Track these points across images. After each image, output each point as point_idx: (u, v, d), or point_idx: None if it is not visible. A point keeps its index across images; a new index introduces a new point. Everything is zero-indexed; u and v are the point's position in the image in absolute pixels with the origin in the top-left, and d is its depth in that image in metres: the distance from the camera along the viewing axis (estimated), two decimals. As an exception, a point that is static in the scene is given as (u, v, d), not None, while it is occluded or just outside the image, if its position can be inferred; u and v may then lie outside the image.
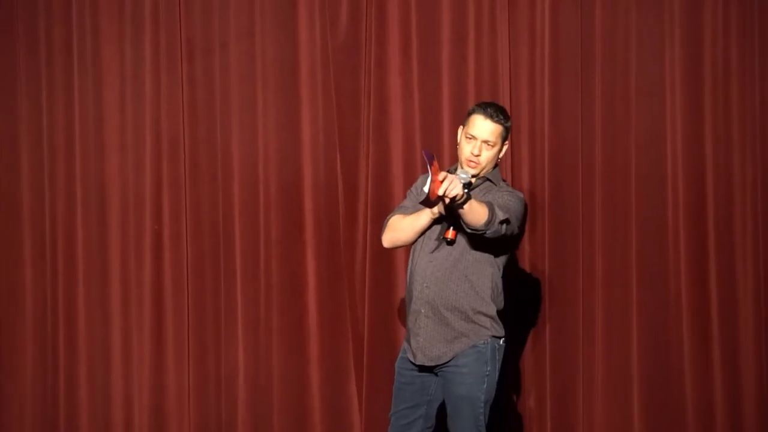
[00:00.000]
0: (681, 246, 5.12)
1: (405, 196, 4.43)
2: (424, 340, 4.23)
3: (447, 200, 3.96)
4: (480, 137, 4.22)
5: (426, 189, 3.93)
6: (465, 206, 3.99)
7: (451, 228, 4.15)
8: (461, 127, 4.31)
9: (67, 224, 5.39)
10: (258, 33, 5.32)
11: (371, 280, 5.23)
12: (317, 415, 5.29)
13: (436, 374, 4.26)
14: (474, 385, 4.18)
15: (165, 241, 5.36)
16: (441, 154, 5.19)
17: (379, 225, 5.11)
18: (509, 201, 4.21)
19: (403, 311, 5.12)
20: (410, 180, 5.13)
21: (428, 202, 3.99)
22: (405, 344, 4.32)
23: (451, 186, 3.91)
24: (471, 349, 4.20)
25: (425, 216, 4.20)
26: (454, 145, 5.13)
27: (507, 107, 5.12)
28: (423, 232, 4.26)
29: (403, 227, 4.27)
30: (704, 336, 5.11)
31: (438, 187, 3.92)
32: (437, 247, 4.23)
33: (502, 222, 4.07)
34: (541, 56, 5.19)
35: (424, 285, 4.22)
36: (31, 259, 5.41)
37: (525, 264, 5.18)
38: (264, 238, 5.31)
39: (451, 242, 4.18)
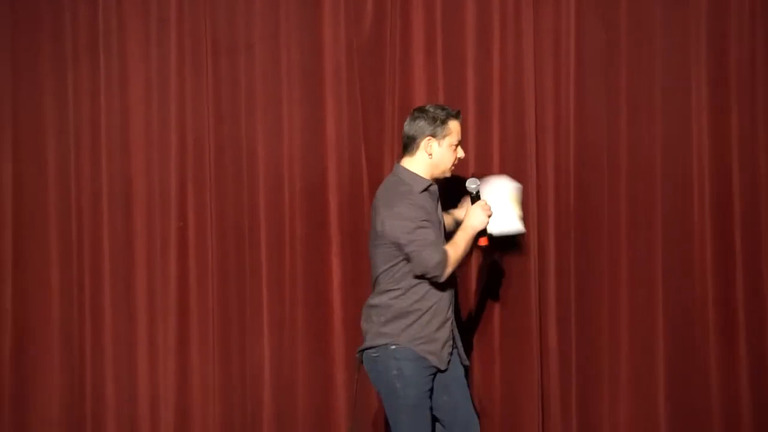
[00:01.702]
0: (707, 245, 5.10)
1: (420, 227, 4.41)
2: (458, 343, 4.60)
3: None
4: (460, 140, 4.55)
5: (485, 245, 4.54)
6: None
7: (485, 236, 4.52)
8: (431, 138, 4.47)
9: (93, 223, 5.41)
10: (283, 33, 5.33)
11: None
12: (341, 413, 5.29)
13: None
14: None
15: (190, 240, 5.37)
16: (465, 152, 5.16)
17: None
18: None
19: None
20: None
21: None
22: (431, 356, 4.47)
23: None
24: None
25: (471, 238, 4.50)
26: (480, 144, 5.19)
27: (532, 106, 5.18)
28: None
29: (460, 257, 4.49)
30: (730, 335, 5.09)
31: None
32: None
33: None
34: (566, 55, 5.18)
35: (453, 294, 4.55)
36: (58, 257, 5.44)
37: (550, 264, 5.17)
38: (289, 237, 5.32)
39: (486, 249, 4.61)
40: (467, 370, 4.75)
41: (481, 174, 5.03)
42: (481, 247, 4.47)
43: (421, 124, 4.49)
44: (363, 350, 4.53)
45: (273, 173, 5.34)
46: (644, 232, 5.14)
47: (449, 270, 4.42)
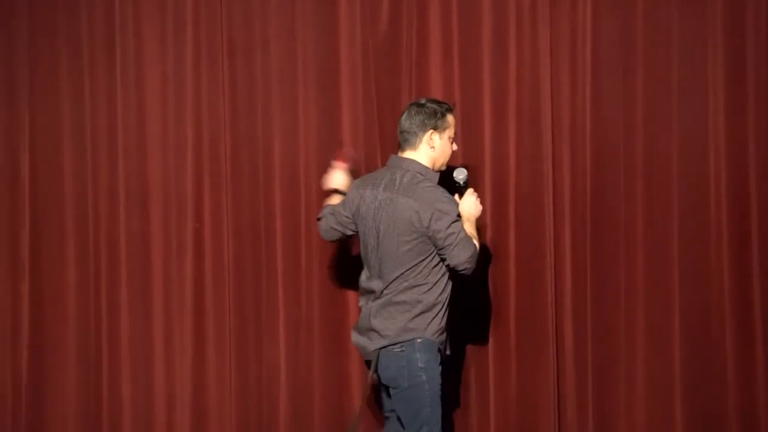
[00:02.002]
0: (724, 246, 5.09)
1: (455, 221, 4.53)
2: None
3: None
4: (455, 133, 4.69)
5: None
6: None
7: None
8: (432, 131, 4.58)
9: (110, 223, 5.42)
10: (299, 32, 5.33)
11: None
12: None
13: None
14: None
15: (206, 240, 5.38)
16: (482, 153, 5.19)
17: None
18: None
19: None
20: (450, 177, 5.13)
21: None
22: (441, 345, 4.59)
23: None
24: None
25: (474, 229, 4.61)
26: (496, 144, 5.18)
27: (548, 106, 5.17)
28: None
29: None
30: (747, 337, 5.07)
31: None
32: None
33: None
34: (583, 54, 5.16)
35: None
36: (74, 258, 5.46)
37: (566, 264, 5.16)
38: (305, 237, 5.32)
39: None
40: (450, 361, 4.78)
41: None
42: None
43: (422, 118, 4.58)
44: (383, 347, 4.55)
45: (289, 172, 5.34)
46: (661, 233, 5.13)
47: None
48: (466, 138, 5.20)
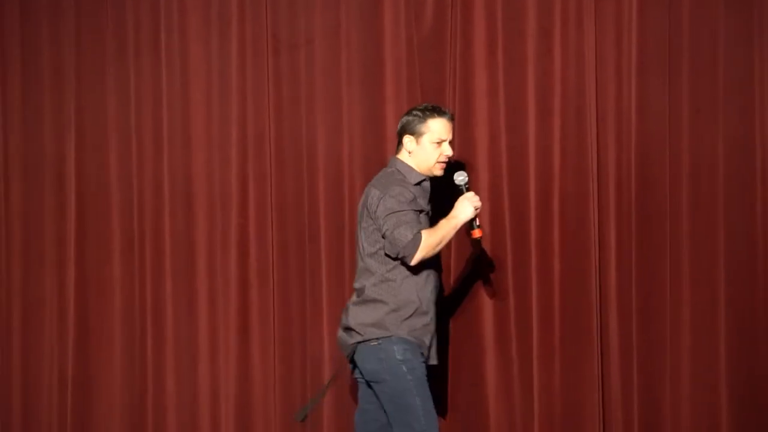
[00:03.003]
0: (770, 243, 5.07)
1: (402, 210, 4.53)
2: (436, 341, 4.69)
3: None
4: (448, 138, 4.64)
5: (478, 236, 4.63)
6: None
7: (477, 228, 4.62)
8: (410, 135, 4.63)
9: (155, 219, 5.46)
10: (343, 28, 5.34)
11: (453, 271, 5.22)
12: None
13: None
14: None
15: (251, 236, 5.40)
16: (526, 147, 5.18)
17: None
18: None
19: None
20: (494, 176, 5.14)
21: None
22: (420, 348, 4.57)
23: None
24: None
25: (455, 228, 4.58)
26: (540, 139, 5.17)
27: (593, 102, 5.14)
28: None
29: (438, 243, 4.54)
30: (793, 334, 5.06)
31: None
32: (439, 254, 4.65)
33: None
34: (628, 51, 5.15)
35: (440, 289, 4.72)
36: (120, 253, 5.49)
37: (611, 260, 5.14)
38: (348, 233, 5.31)
39: (479, 241, 4.72)
40: (435, 370, 4.74)
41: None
42: (473, 240, 4.60)
43: (404, 121, 4.67)
44: (360, 342, 4.60)
45: (333, 170, 5.35)
46: (706, 229, 5.10)
47: (420, 254, 4.48)
48: (509, 133, 5.20)
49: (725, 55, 5.10)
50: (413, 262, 4.51)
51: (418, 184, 4.63)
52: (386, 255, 4.54)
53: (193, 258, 5.43)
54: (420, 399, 4.50)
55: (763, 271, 5.07)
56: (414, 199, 4.56)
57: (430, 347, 4.62)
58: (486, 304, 5.19)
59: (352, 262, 5.31)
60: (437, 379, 4.83)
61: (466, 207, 4.57)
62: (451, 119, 4.67)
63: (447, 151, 4.64)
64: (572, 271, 5.15)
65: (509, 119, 5.21)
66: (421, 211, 4.59)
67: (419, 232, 4.48)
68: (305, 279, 5.37)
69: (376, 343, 4.53)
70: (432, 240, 4.50)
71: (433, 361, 4.65)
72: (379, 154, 5.30)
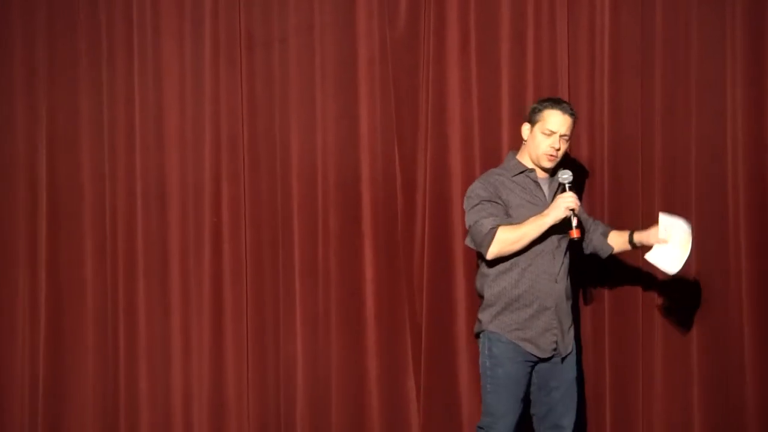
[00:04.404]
0: (741, 242, 5.11)
1: (477, 199, 4.54)
2: (560, 332, 4.59)
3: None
4: (559, 131, 4.56)
5: (575, 237, 4.51)
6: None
7: (575, 228, 4.49)
8: (527, 124, 4.58)
9: (127, 219, 5.41)
10: (317, 27, 5.33)
11: (429, 273, 5.23)
12: (375, 408, 5.30)
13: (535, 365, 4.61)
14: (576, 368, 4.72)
15: (224, 235, 5.37)
16: (500, 149, 5.19)
17: (437, 219, 5.22)
18: None
19: (462, 305, 5.21)
20: (469, 175, 5.14)
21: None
22: (521, 342, 4.55)
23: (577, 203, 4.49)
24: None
25: (545, 225, 4.49)
26: (514, 140, 5.17)
27: (566, 103, 5.17)
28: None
29: (519, 238, 4.50)
30: (765, 334, 5.09)
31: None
32: (558, 246, 4.59)
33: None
34: (601, 51, 5.18)
35: (555, 281, 4.57)
36: (92, 253, 5.43)
37: (583, 260, 5.16)
38: (322, 232, 5.32)
39: (579, 241, 4.62)
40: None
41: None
42: (572, 239, 4.54)
43: (527, 111, 4.66)
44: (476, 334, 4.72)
45: (306, 168, 5.34)
46: (678, 229, 5.15)
47: (497, 247, 4.49)
48: (483, 134, 5.22)
49: (697, 56, 5.14)
50: (490, 257, 4.52)
51: (519, 174, 4.61)
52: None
53: (165, 258, 5.40)
54: (492, 396, 4.56)
55: (734, 269, 5.12)
56: (494, 187, 4.55)
57: (541, 339, 4.56)
58: (459, 303, 5.21)
59: (325, 261, 5.32)
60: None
61: (558, 206, 4.48)
62: (571, 115, 4.57)
63: (555, 143, 4.55)
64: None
65: (483, 119, 5.22)
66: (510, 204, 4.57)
67: (495, 228, 4.48)
68: (279, 278, 5.36)
69: (480, 338, 4.64)
70: (510, 235, 4.49)
71: (543, 354, 4.58)
72: (353, 151, 5.31)
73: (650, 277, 5.13)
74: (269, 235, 5.37)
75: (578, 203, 4.50)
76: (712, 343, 5.13)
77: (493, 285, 4.58)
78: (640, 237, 4.72)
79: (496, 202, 4.53)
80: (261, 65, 5.36)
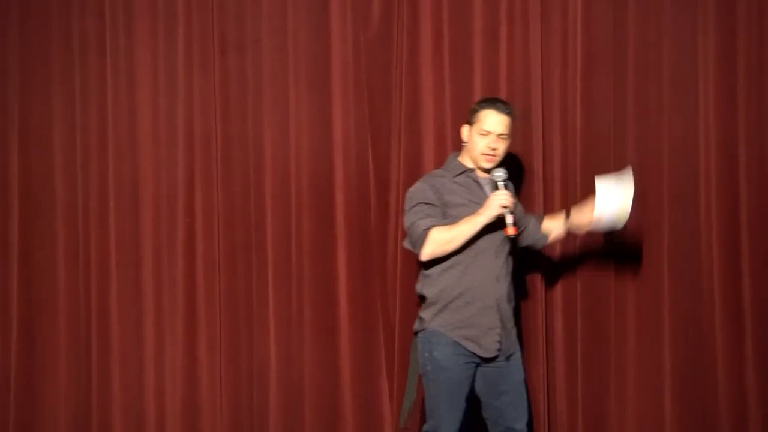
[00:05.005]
0: (714, 242, 5.06)
1: (414, 201, 4.55)
2: (502, 331, 4.56)
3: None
4: (495, 131, 4.54)
5: (510, 234, 4.47)
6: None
7: (510, 226, 4.47)
8: (466, 125, 4.60)
9: (100, 220, 5.44)
10: (290, 28, 5.34)
11: (402, 274, 5.21)
12: (348, 408, 5.30)
13: (479, 366, 4.56)
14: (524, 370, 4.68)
15: (197, 237, 5.39)
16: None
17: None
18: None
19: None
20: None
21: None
22: (464, 340, 4.51)
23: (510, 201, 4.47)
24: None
25: (479, 224, 4.47)
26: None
27: (539, 101, 5.15)
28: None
29: (452, 238, 4.48)
30: (737, 334, 5.04)
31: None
32: (501, 245, 4.57)
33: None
34: (574, 50, 5.15)
35: (495, 279, 4.55)
36: (65, 254, 5.47)
37: (556, 257, 5.15)
38: (296, 233, 5.33)
39: (515, 238, 4.59)
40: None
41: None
42: (512, 237, 4.53)
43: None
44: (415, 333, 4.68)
45: (280, 170, 5.35)
46: (651, 227, 5.10)
47: (430, 248, 4.48)
48: (456, 133, 5.17)
49: (669, 54, 5.10)
50: (424, 258, 4.52)
51: (460, 174, 4.59)
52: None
53: (138, 258, 5.42)
54: (434, 399, 4.54)
55: (706, 270, 5.07)
56: (435, 189, 4.54)
57: (483, 338, 4.53)
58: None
59: (299, 262, 5.32)
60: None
61: (491, 204, 4.47)
62: (507, 114, 4.55)
63: (491, 143, 4.54)
64: (518, 271, 5.14)
65: (456, 119, 5.19)
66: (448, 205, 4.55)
67: (429, 228, 4.47)
68: (252, 279, 5.36)
69: (419, 337, 4.61)
70: (444, 235, 4.48)
71: (486, 354, 4.54)
72: (326, 152, 5.32)
73: (623, 277, 5.10)
74: (242, 236, 5.38)
75: (512, 201, 4.48)
76: (684, 343, 5.08)
77: (435, 284, 4.56)
78: (575, 217, 4.71)
79: (433, 204, 4.52)
80: (234, 67, 5.38)
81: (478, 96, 5.18)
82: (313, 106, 5.33)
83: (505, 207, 4.45)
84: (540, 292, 5.14)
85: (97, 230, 5.43)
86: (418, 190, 4.57)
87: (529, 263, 5.12)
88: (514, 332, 4.64)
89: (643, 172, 5.09)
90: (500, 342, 4.55)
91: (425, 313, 4.59)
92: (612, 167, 5.09)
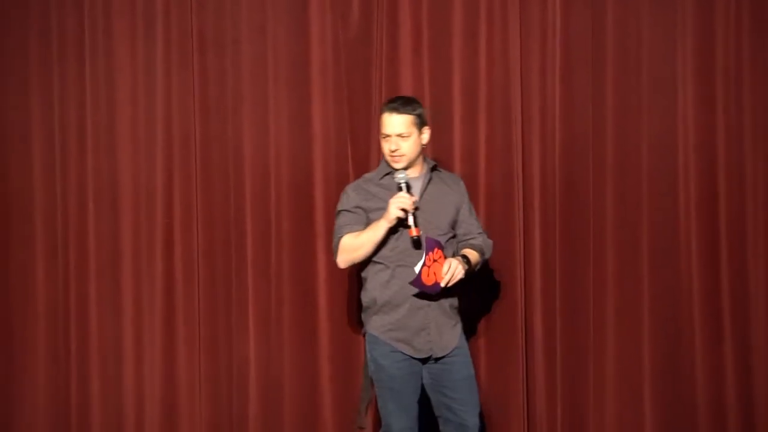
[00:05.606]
0: (692, 241, 5.11)
1: (338, 208, 4.60)
2: (436, 332, 4.51)
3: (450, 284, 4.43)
4: (393, 132, 4.51)
5: (417, 269, 4.36)
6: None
7: (413, 227, 4.44)
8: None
9: (79, 220, 5.39)
10: (270, 28, 5.33)
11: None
12: (328, 408, 5.29)
13: (424, 364, 4.54)
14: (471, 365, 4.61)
15: (176, 236, 5.36)
16: (452, 148, 5.19)
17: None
18: (471, 206, 4.70)
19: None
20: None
21: (419, 282, 4.39)
22: (396, 342, 4.51)
23: (457, 273, 4.42)
24: (461, 334, 4.60)
25: (381, 229, 4.47)
26: (466, 140, 5.19)
27: (518, 102, 5.19)
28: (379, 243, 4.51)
29: (360, 245, 4.52)
30: (716, 331, 5.10)
31: (434, 273, 4.38)
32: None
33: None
34: (552, 51, 5.18)
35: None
36: (43, 254, 5.41)
37: (536, 260, 5.16)
38: (275, 233, 5.31)
39: (419, 239, 4.47)
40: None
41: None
42: (414, 239, 4.47)
43: None
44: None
45: (259, 169, 5.33)
46: (630, 226, 5.15)
47: (343, 256, 4.54)
48: (435, 134, 5.19)
49: (648, 54, 5.15)
50: (342, 266, 4.57)
51: (384, 176, 4.58)
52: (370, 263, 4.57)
53: (117, 259, 5.38)
54: (381, 399, 4.54)
55: (685, 268, 5.12)
56: (358, 195, 4.55)
57: (415, 339, 4.51)
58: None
59: (278, 262, 5.31)
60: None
61: (391, 207, 4.47)
62: (402, 112, 4.50)
63: (391, 145, 4.52)
64: (497, 270, 5.16)
65: (435, 119, 5.21)
66: (372, 210, 4.54)
67: (340, 237, 4.52)
68: (231, 279, 5.34)
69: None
70: (353, 242, 4.51)
71: (419, 355, 4.52)
72: (306, 152, 5.31)
73: (602, 276, 5.13)
74: (222, 236, 5.36)
75: (412, 203, 4.43)
76: (663, 340, 5.13)
77: (368, 288, 4.57)
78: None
79: (354, 212, 4.55)
80: (213, 66, 5.36)
81: (457, 96, 5.23)
82: (292, 106, 5.32)
83: (403, 210, 4.43)
84: (519, 291, 5.16)
85: (76, 230, 5.39)
86: (343, 197, 4.61)
87: (507, 262, 5.13)
88: (457, 329, 4.58)
89: (622, 172, 5.14)
90: (431, 342, 4.52)
91: (363, 317, 4.63)
92: (591, 167, 5.14)
